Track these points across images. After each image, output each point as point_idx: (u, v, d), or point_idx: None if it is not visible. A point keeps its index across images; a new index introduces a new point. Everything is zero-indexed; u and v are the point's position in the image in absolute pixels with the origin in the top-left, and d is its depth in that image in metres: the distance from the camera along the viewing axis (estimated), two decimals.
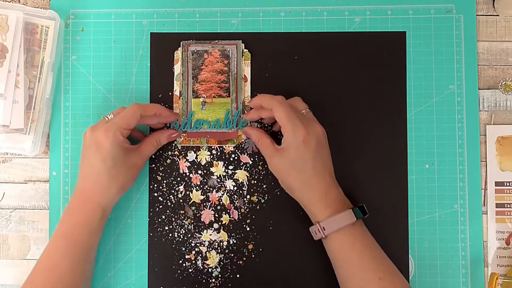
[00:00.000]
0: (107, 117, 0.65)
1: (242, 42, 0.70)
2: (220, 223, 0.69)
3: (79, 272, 0.63)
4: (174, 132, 0.69)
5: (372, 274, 0.60)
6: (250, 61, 0.70)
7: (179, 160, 0.70)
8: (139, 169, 0.67)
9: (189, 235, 0.69)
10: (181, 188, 0.70)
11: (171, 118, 0.68)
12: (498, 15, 0.71)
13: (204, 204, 0.70)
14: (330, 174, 0.64)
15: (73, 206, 0.65)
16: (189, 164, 0.70)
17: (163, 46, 0.71)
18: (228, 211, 0.70)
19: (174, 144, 0.70)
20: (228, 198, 0.70)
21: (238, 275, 0.69)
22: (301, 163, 0.63)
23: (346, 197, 0.65)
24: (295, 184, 0.64)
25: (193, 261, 0.69)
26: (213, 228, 0.69)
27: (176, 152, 0.70)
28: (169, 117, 0.68)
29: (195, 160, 0.70)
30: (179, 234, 0.69)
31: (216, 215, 0.69)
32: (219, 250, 0.69)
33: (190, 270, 0.69)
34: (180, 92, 0.70)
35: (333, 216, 0.62)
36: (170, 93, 0.70)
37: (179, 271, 0.69)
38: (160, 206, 0.70)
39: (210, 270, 0.69)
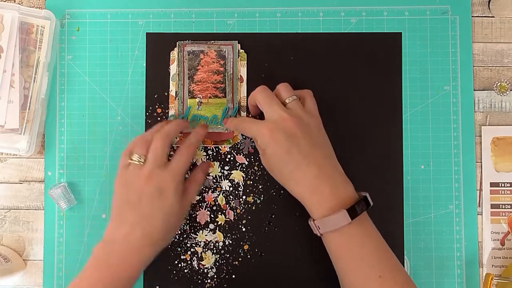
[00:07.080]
0: (136, 160, 0.61)
1: (238, 43, 0.70)
2: (215, 224, 0.69)
3: None
4: (206, 163, 0.69)
5: (371, 272, 0.58)
6: (246, 62, 0.70)
7: None
8: (182, 219, 0.65)
9: (185, 236, 0.69)
10: None
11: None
12: (493, 17, 0.72)
13: (200, 204, 0.70)
14: (317, 164, 0.59)
15: (109, 257, 0.59)
16: None
17: (159, 46, 0.71)
18: (224, 211, 0.69)
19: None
20: (224, 199, 0.70)
21: (233, 276, 0.69)
22: (277, 160, 0.60)
23: (346, 185, 0.60)
24: (282, 181, 0.62)
25: (189, 262, 0.69)
26: (208, 229, 0.69)
27: (172, 153, 0.70)
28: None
29: (191, 160, 0.70)
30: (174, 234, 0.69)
31: (212, 216, 0.69)
32: (214, 251, 0.69)
33: (185, 271, 0.69)
34: (176, 92, 0.70)
35: (326, 217, 0.58)
36: (166, 94, 0.70)
37: (174, 272, 0.69)
38: None
39: (205, 270, 0.69)
